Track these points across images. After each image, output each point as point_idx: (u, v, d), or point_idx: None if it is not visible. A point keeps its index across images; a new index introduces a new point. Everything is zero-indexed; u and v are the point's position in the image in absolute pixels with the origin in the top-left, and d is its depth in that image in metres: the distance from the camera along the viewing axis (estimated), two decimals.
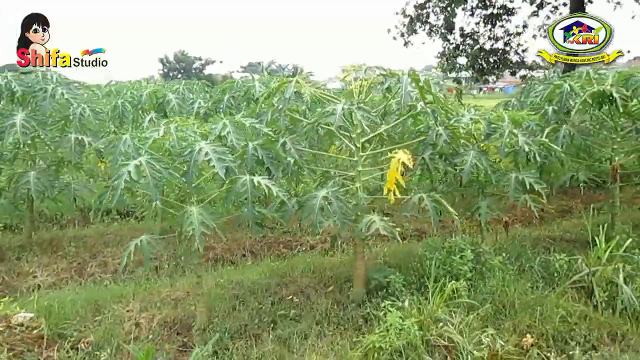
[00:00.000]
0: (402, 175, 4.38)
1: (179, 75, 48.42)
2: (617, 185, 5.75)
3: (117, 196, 3.51)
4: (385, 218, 4.34)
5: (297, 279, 5.44)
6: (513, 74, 17.83)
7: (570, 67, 16.87)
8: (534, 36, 18.68)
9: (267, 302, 4.83)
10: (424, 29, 18.75)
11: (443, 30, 18.20)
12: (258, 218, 4.08)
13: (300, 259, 6.25)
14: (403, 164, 4.17)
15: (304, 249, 6.84)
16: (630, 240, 5.28)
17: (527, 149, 4.77)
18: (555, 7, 18.32)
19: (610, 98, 5.19)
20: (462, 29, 18.70)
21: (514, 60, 17.78)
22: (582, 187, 6.07)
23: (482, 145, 5.08)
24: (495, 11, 18.44)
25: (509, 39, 18.02)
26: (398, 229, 4.44)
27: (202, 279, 4.49)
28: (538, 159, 5.03)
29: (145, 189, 3.77)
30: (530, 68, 17.44)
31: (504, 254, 5.33)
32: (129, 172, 3.52)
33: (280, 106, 4.31)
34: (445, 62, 18.27)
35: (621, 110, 5.12)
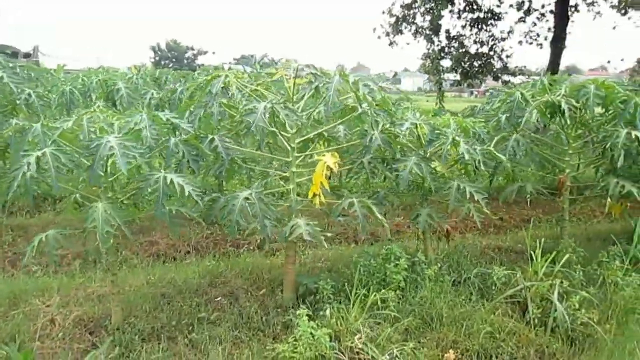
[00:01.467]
0: (329, 178, 4.22)
1: (170, 65, 48.01)
2: (566, 198, 5.62)
3: (13, 188, 3.33)
4: (311, 222, 4.19)
5: (232, 280, 5.27)
6: (496, 79, 17.73)
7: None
8: (520, 42, 18.60)
9: (192, 303, 4.66)
10: (410, 30, 18.61)
11: (428, 32, 18.04)
12: (176, 217, 3.90)
13: (241, 259, 6.09)
14: (329, 167, 4.01)
15: (251, 247, 6.67)
16: (570, 255, 5.18)
17: (467, 157, 4.62)
18: (542, 15, 18.27)
19: (560, 109, 5.04)
20: (447, 32, 18.58)
21: (497, 66, 17.66)
22: (542, 197, 5.93)
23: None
24: (482, 15, 18.32)
25: (494, 44, 17.91)
26: (329, 234, 4.29)
27: (117, 277, 4.31)
28: (482, 167, 4.91)
29: (50, 182, 3.58)
30: (513, 74, 17.35)
31: (442, 264, 5.20)
32: (28, 164, 3.34)
33: (207, 102, 4.11)
34: (430, 64, 18.12)
35: (568, 121, 4.97)
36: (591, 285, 4.97)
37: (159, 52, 50.62)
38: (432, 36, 18.49)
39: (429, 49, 18.26)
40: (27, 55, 33.67)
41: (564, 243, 5.48)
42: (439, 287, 4.71)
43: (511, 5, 18.31)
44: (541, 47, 18.12)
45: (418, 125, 4.90)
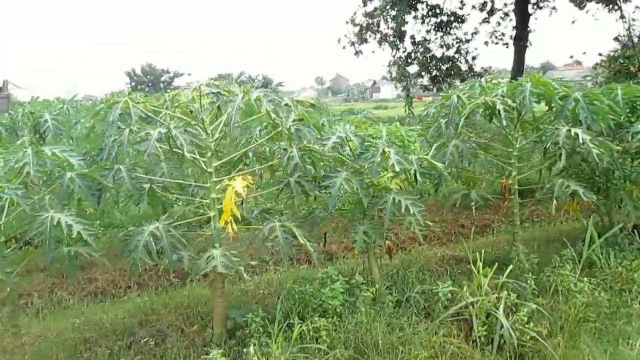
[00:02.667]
0: (242, 204, 3.92)
1: (147, 89, 47.67)
2: (515, 202, 5.34)
3: None
4: (229, 252, 3.87)
5: (164, 317, 4.92)
6: (463, 81, 17.56)
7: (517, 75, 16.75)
8: (486, 43, 18.48)
9: (115, 347, 4.31)
10: (375, 38, 18.42)
11: (392, 39, 17.87)
12: (67, 259, 3.56)
13: (185, 291, 5.75)
14: (238, 193, 3.71)
15: (197, 278, 6.31)
16: (519, 263, 4.92)
17: (397, 168, 4.34)
18: (506, 14, 18.19)
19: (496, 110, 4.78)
20: (413, 37, 18.41)
21: (463, 69, 17.51)
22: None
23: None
24: (445, 19, 18.20)
25: (459, 46, 17.79)
26: (253, 262, 3.97)
27: (19, 328, 3.95)
28: (419, 178, 4.63)
29: None
30: (479, 75, 17.18)
31: (387, 283, 4.90)
32: None
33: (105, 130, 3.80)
34: (395, 71, 17.93)
35: (504, 122, 4.71)
36: (543, 295, 4.70)
37: (135, 77, 50.30)
38: (397, 43, 18.32)
39: (394, 56, 18.08)
40: None
41: (515, 250, 5.19)
42: (379, 309, 4.40)
43: (474, 7, 18.24)
44: (507, 47, 17.98)
45: (346, 139, 4.63)
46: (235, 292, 5.35)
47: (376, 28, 18.40)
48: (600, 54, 13.01)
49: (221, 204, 4.01)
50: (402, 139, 4.83)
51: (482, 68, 17.72)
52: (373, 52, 18.73)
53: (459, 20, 18.21)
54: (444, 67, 18.10)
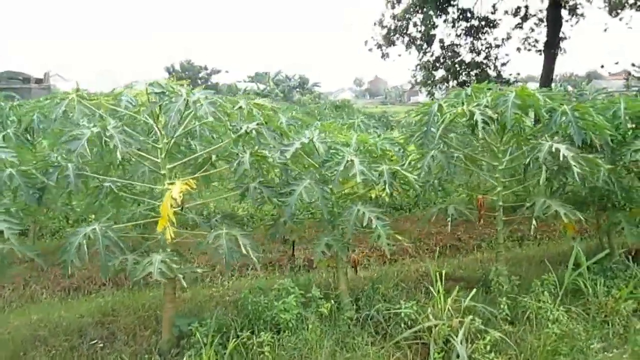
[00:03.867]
0: (182, 209, 3.76)
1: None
2: (499, 219, 4.99)
3: None
4: (170, 259, 3.71)
5: (123, 318, 4.81)
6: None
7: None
8: (519, 49, 17.83)
9: (60, 348, 4.21)
10: (403, 41, 18.04)
11: (419, 42, 17.46)
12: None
13: (148, 293, 5.62)
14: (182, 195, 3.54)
15: None
16: (496, 285, 4.58)
17: (359, 179, 4.09)
18: (541, 20, 17.49)
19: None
20: (442, 41, 17.93)
21: (492, 75, 16.92)
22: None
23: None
24: (476, 23, 17.65)
25: (488, 52, 17.21)
26: (199, 270, 3.80)
27: None
28: (388, 190, 4.36)
29: None
30: (507, 82, 16.57)
31: (351, 298, 4.64)
32: None
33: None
34: (422, 75, 17.51)
35: (480, 135, 4.38)
36: (516, 321, 4.36)
37: (174, 73, 51.07)
38: (425, 46, 17.89)
39: (420, 60, 17.64)
40: (39, 81, 34.34)
41: (496, 271, 4.84)
42: (333, 326, 4.16)
43: (506, 12, 17.62)
44: (541, 54, 17.30)
45: (314, 144, 4.40)
46: (199, 297, 5.19)
47: (405, 31, 18.01)
48: (633, 64, 12.29)
49: (180, 205, 3.87)
50: (373, 147, 4.56)
51: (510, 75, 17.09)
52: (399, 55, 18.23)
53: (491, 25, 17.63)
54: (472, 73, 17.55)
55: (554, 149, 4.21)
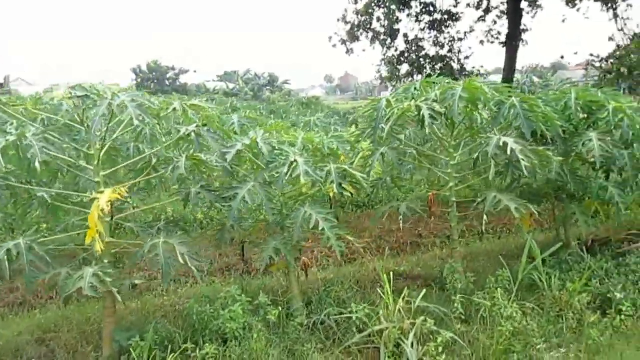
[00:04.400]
0: (111, 218, 3.56)
1: (152, 85, 47.57)
2: (453, 215, 4.91)
3: None
4: (104, 271, 3.51)
5: (63, 334, 4.57)
6: (455, 80, 17.00)
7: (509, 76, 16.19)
8: (482, 41, 17.93)
9: None
10: (367, 36, 17.97)
11: (383, 37, 17.41)
12: None
13: (91, 306, 5.35)
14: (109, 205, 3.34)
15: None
16: (452, 283, 4.49)
17: (303, 179, 3.94)
18: (503, 12, 17.61)
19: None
20: (405, 35, 17.92)
21: (455, 68, 16.98)
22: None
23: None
24: (439, 17, 17.68)
25: (451, 45, 17.26)
26: (137, 281, 3.60)
27: None
28: (336, 189, 4.22)
29: None
30: (470, 75, 16.64)
31: (303, 303, 4.50)
32: None
33: None
34: (386, 70, 17.47)
35: (427, 130, 4.27)
36: (470, 320, 4.27)
37: (140, 74, 50.20)
38: (390, 41, 17.84)
39: (384, 55, 17.60)
40: None
41: (450, 268, 4.75)
42: (282, 334, 4.01)
43: (468, 5, 17.70)
44: (503, 46, 17.41)
45: (258, 145, 4.23)
46: (148, 307, 4.97)
47: (368, 26, 17.95)
48: (591, 54, 12.44)
49: (109, 215, 3.67)
50: (320, 146, 4.42)
51: (473, 67, 17.17)
52: (364, 50, 18.24)
53: (453, 18, 17.70)
54: (437, 67, 17.57)
55: (501, 143, 4.12)
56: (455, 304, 4.25)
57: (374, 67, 18.02)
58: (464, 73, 16.74)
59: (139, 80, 49.64)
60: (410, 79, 17.24)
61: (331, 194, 4.80)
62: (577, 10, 14.23)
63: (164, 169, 3.82)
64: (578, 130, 5.13)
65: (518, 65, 18.63)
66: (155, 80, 49.81)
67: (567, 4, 13.87)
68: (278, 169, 4.08)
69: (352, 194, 5.34)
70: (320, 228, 4.02)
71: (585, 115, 5.25)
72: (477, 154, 4.32)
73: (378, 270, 5.91)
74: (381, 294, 4.44)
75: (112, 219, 3.69)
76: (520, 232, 6.86)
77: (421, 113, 4.25)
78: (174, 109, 3.71)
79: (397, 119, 4.52)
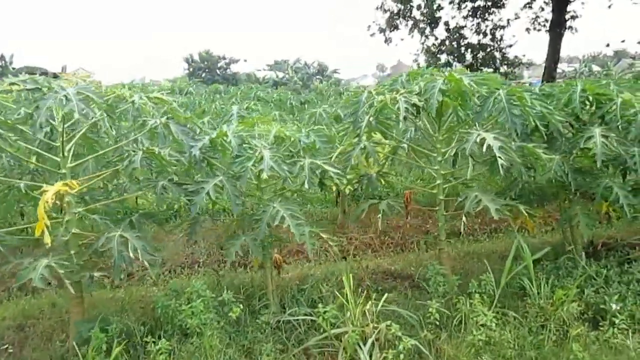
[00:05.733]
0: (61, 211, 3.55)
1: (203, 75, 48.43)
2: (440, 214, 4.64)
3: None
4: (63, 262, 3.53)
5: (44, 321, 4.68)
6: (495, 70, 16.32)
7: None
8: (528, 29, 17.08)
9: None
10: (406, 24, 17.52)
11: (423, 25, 16.89)
12: None
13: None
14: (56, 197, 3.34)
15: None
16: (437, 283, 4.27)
17: (266, 175, 3.83)
18: None
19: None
20: (447, 24, 17.33)
21: (497, 57, 16.27)
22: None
23: None
24: (482, 4, 16.98)
25: (494, 33, 16.53)
26: (97, 274, 3.61)
27: None
28: (306, 185, 4.08)
29: None
30: (512, 64, 15.91)
31: (275, 302, 4.39)
32: None
33: None
34: (424, 60, 16.97)
35: (401, 125, 4.04)
36: (446, 327, 4.04)
37: (193, 64, 51.21)
38: (432, 29, 17.32)
39: (422, 44, 17.09)
40: (55, 76, 34.91)
41: (433, 269, 4.50)
42: (240, 332, 3.93)
43: None
44: (547, 32, 16.52)
45: (227, 138, 4.14)
46: (129, 298, 5.01)
47: (408, 14, 17.48)
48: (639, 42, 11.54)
49: (60, 208, 3.68)
50: (294, 139, 4.27)
51: (515, 57, 16.40)
52: (402, 39, 17.73)
53: (497, 5, 16.93)
54: (479, 56, 16.92)
55: (478, 139, 3.84)
56: (431, 309, 4.02)
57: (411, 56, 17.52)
58: (505, 62, 16.01)
59: (191, 69, 50.70)
60: (449, 68, 16.66)
61: (333, 189, 4.70)
62: None
63: (122, 163, 3.76)
64: (583, 126, 4.75)
65: (579, 54, 17.66)
66: (207, 70, 50.69)
67: None
68: (244, 163, 3.97)
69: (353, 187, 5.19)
70: (285, 225, 3.89)
71: (593, 109, 4.86)
72: (454, 150, 4.04)
73: (375, 266, 5.77)
74: (368, 291, 4.31)
75: (61, 212, 3.70)
76: (523, 232, 6.46)
77: (396, 107, 4.02)
78: (133, 102, 3.66)
79: (377, 112, 4.31)
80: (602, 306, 4.12)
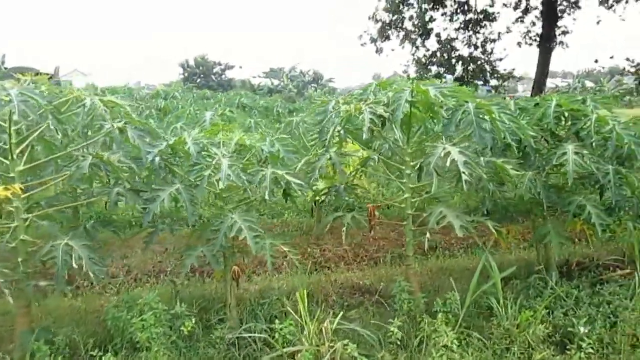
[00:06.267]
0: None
1: (198, 80, 48.37)
2: (408, 229, 4.49)
3: None
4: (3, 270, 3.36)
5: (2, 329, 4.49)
6: (485, 83, 16.28)
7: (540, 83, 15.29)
8: (519, 43, 17.08)
9: None
10: (398, 35, 17.49)
11: (414, 37, 16.86)
12: None
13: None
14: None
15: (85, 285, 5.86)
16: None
17: (222, 185, 3.69)
18: (542, 12, 16.71)
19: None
20: (438, 35, 17.31)
21: (487, 69, 16.24)
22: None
23: None
24: (474, 17, 16.98)
25: (484, 46, 16.51)
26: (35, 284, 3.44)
27: None
28: (266, 196, 3.94)
29: None
30: (501, 77, 15.87)
31: (235, 316, 4.23)
32: None
33: None
34: (415, 71, 16.92)
35: (365, 135, 3.88)
36: (406, 348, 3.88)
37: (188, 69, 51.17)
38: (423, 40, 17.29)
39: (413, 54, 17.05)
40: (50, 77, 34.67)
41: (398, 286, 4.36)
42: (195, 347, 3.76)
43: (505, 5, 16.89)
44: (538, 46, 16.51)
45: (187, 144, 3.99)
46: (90, 307, 4.84)
47: (400, 24, 17.47)
48: (627, 59, 11.53)
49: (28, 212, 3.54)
50: (255, 148, 4.14)
51: (504, 70, 16.37)
52: (393, 50, 17.74)
53: (489, 18, 16.95)
54: (469, 68, 16.89)
55: (442, 154, 3.71)
56: (392, 328, 3.86)
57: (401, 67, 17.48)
58: (495, 76, 15.98)
59: (186, 74, 50.66)
60: (438, 80, 16.60)
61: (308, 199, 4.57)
62: (614, 11, 13.25)
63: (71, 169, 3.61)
64: (558, 142, 4.64)
65: (573, 70, 17.70)
66: (202, 75, 50.64)
67: (603, 4, 12.93)
68: (202, 172, 3.83)
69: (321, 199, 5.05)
70: (241, 237, 3.75)
71: (570, 124, 4.76)
72: (418, 164, 3.92)
73: (343, 280, 5.61)
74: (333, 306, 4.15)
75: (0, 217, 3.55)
76: (503, 248, 6.33)
77: (361, 117, 3.89)
78: (84, 105, 3.52)
79: (344, 121, 4.18)
80: (569, 329, 3.98)
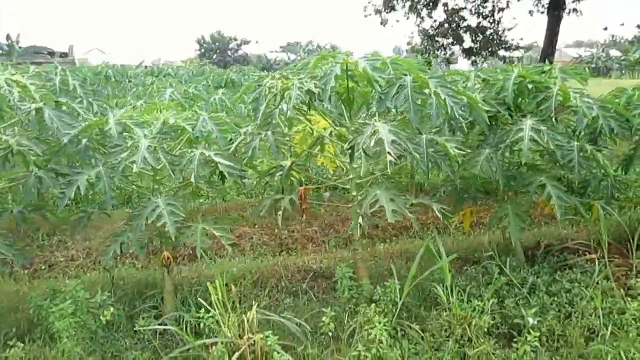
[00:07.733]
0: None
1: (214, 56, 48.12)
2: (354, 212, 4.22)
3: None
4: None
5: None
6: (492, 54, 15.63)
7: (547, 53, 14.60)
8: (530, 12, 16.30)
9: None
10: (404, 5, 16.87)
11: (420, 6, 16.24)
12: None
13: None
14: None
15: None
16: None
17: (136, 168, 3.47)
18: None
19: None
20: (445, 5, 16.65)
21: (494, 39, 15.58)
22: None
23: None
24: None
25: (493, 16, 15.81)
26: None
27: None
28: (192, 179, 3.72)
29: None
30: (509, 48, 15.19)
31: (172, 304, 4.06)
32: None
33: None
34: (427, 42, 16.30)
35: (289, 112, 3.62)
36: (340, 340, 3.66)
37: (205, 45, 50.86)
38: (430, 11, 16.64)
39: (418, 26, 16.43)
40: (63, 55, 34.86)
41: (340, 272, 4.12)
42: (114, 338, 3.61)
43: None
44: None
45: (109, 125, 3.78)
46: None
47: None
48: (638, 26, 10.81)
49: None
50: (182, 127, 3.90)
51: (512, 40, 15.68)
52: (397, 21, 17.13)
53: None
54: (477, 39, 16.25)
55: (372, 131, 3.41)
56: (324, 318, 3.64)
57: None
58: (503, 46, 15.32)
59: (202, 50, 50.39)
60: (444, 52, 16.04)
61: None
62: None
63: None
64: (519, 118, 4.29)
65: (600, 38, 16.90)
66: (218, 51, 50.31)
67: None
68: (120, 154, 3.63)
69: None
70: (160, 223, 3.56)
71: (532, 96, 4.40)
72: (348, 143, 3.63)
73: (302, 264, 5.40)
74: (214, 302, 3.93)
75: None
76: (470, 231, 6.01)
77: (286, 93, 3.62)
78: None
79: (274, 97, 3.90)
80: (517, 320, 3.69)
